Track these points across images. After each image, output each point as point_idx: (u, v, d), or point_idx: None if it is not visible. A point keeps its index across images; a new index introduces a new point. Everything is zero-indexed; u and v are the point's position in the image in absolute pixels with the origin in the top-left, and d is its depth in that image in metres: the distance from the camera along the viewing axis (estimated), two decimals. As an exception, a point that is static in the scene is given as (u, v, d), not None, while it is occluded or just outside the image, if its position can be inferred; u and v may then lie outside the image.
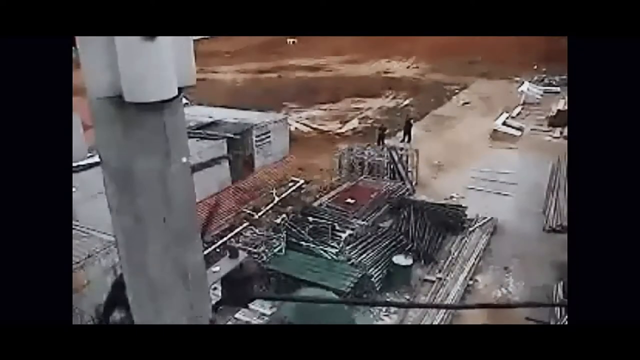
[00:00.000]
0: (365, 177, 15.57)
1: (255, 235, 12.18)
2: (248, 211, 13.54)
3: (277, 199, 14.18)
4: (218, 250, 10.83)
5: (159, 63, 0.99)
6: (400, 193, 14.36)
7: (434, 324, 9.29)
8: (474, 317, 9.20)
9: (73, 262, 9.31)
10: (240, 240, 11.95)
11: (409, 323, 9.27)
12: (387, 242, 11.70)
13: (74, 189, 12.11)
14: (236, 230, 12.53)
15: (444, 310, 9.82)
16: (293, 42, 40.64)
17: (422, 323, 9.31)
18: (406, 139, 19.52)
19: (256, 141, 16.58)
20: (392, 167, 15.86)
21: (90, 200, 11.42)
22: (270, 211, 13.75)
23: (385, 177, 15.62)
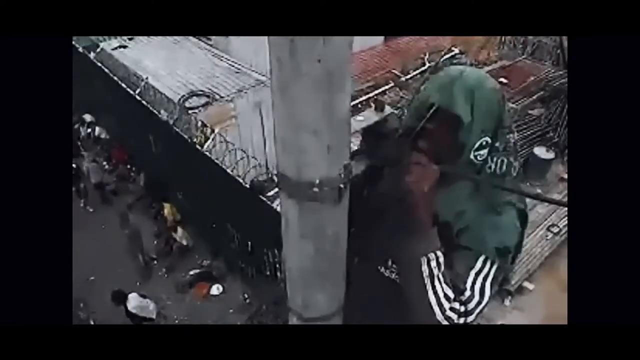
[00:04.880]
0: (525, 58, 14.47)
1: (398, 96, 12.10)
2: (396, 72, 13.32)
3: (427, 64, 13.72)
4: (360, 105, 10.93)
5: None
6: (559, 82, 13.26)
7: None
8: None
9: (225, 95, 9.93)
10: (385, 100, 11.92)
11: (535, 218, 9.03)
12: (531, 132, 11.14)
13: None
14: (381, 89, 12.48)
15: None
16: None
17: (547, 220, 9.06)
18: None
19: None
20: (557, 51, 14.52)
21: (243, 38, 11.84)
22: (418, 75, 13.42)
23: (547, 62, 14.41)
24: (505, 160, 1.64)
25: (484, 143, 1.59)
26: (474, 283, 1.57)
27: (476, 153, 1.59)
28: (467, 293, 1.55)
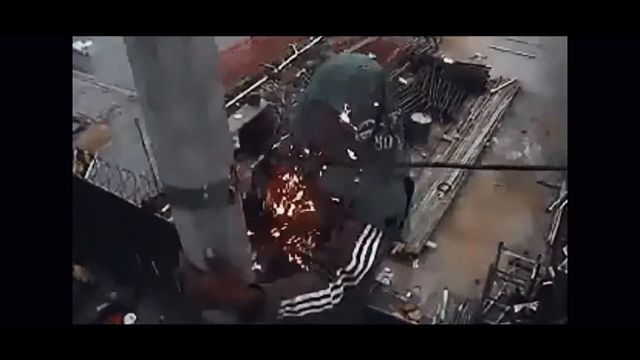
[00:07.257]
0: (387, 32, 15.02)
1: (275, 88, 12.14)
2: (268, 65, 13.33)
3: (297, 52, 13.86)
4: (238, 104, 10.83)
5: None
6: (424, 50, 13.93)
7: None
8: (488, 177, 9.42)
9: (96, 117, 9.50)
10: (261, 94, 11.91)
11: (425, 180, 9.45)
12: (406, 100, 11.61)
13: (89, 43, 11.97)
14: (257, 84, 12.44)
15: (459, 170, 9.98)
16: None
17: (437, 181, 9.51)
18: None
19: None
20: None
21: (107, 55, 11.30)
22: (290, 65, 13.52)
23: (409, 33, 15.07)
24: (391, 138, 1.75)
25: (368, 124, 1.70)
26: (359, 252, 1.70)
27: (361, 134, 1.70)
28: (353, 262, 1.68)
